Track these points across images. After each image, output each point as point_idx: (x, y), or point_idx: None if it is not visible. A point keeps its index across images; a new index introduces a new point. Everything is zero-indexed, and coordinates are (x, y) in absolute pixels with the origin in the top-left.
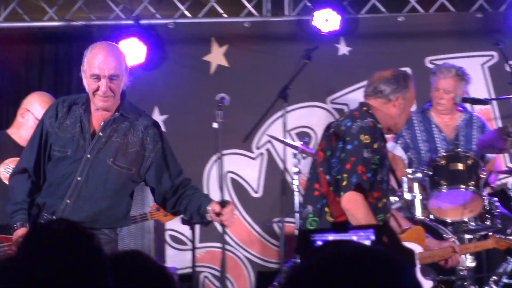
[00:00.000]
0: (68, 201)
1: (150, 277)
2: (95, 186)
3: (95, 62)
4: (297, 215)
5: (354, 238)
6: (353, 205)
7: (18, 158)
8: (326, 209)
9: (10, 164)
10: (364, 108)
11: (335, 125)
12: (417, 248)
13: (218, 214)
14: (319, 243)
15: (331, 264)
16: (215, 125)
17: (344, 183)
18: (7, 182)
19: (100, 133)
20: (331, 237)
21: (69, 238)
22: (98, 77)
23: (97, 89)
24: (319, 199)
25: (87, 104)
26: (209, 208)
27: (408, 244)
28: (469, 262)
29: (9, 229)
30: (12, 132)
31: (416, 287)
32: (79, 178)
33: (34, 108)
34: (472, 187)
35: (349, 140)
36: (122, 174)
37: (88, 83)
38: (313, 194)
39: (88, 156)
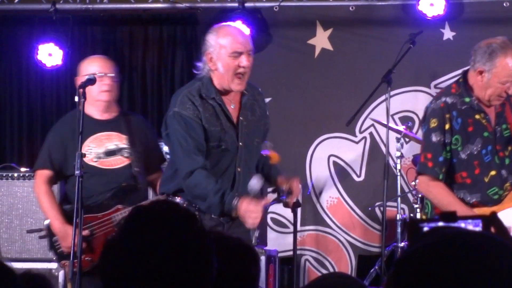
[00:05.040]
0: (236, 194)
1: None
2: (250, 172)
3: (236, 39)
4: (399, 199)
5: (462, 225)
6: (423, 188)
7: (97, 135)
8: None
9: (91, 143)
10: (460, 80)
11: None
12: None
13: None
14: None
15: (436, 248)
16: None
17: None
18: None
19: (241, 117)
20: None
21: (171, 218)
22: (240, 54)
23: (238, 67)
24: None
25: (218, 92)
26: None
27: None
28: None
29: (96, 210)
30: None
31: None
32: (239, 169)
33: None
34: None
35: (424, 123)
36: (260, 149)
37: (227, 63)
38: None
39: (241, 144)
